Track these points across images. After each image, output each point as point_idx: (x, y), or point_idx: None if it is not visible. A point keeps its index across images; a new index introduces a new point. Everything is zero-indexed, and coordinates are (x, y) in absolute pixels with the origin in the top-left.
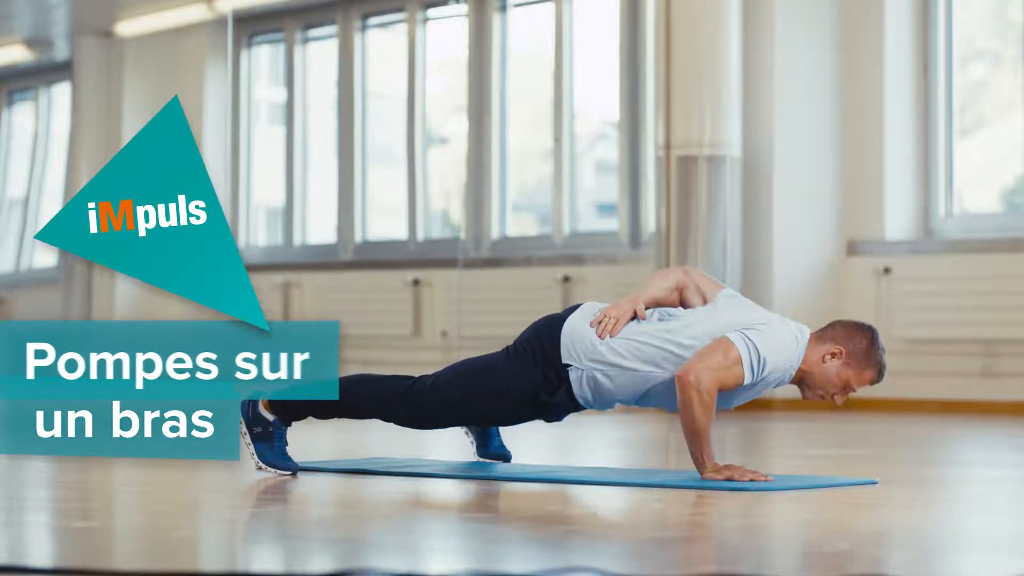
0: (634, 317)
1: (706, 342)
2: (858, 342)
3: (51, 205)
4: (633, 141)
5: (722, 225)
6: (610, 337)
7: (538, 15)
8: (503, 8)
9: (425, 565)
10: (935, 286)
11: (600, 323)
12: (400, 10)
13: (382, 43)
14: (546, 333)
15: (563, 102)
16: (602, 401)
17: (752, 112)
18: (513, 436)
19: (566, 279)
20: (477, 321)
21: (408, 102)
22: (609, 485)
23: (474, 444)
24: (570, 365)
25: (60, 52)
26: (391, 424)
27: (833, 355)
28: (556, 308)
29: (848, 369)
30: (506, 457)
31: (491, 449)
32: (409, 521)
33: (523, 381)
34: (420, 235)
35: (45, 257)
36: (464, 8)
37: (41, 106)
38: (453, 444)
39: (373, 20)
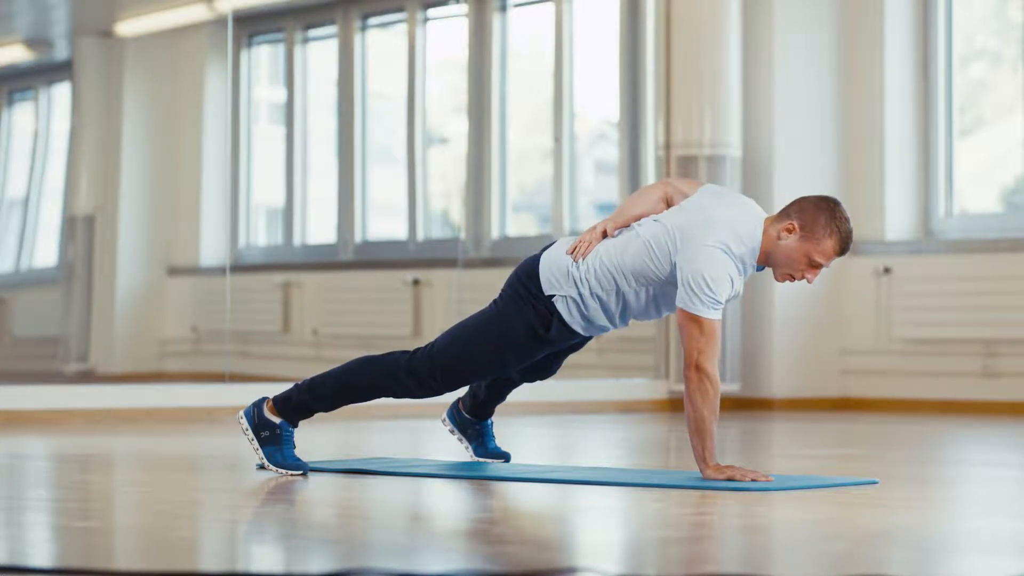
0: (605, 236)
1: (660, 243)
2: (813, 213)
3: (51, 205)
4: (633, 141)
5: None
6: (583, 259)
7: (538, 15)
8: (503, 8)
9: (425, 565)
10: (935, 286)
11: (574, 248)
12: (400, 10)
13: (382, 43)
14: (525, 272)
15: (563, 102)
16: (593, 324)
17: (752, 112)
18: (513, 436)
19: None
20: None
21: (408, 102)
22: (609, 485)
23: (469, 448)
24: (554, 295)
25: (60, 52)
26: (402, 399)
27: (788, 231)
28: None
29: (806, 243)
30: (504, 457)
31: (488, 449)
32: (409, 521)
33: (517, 321)
34: (420, 235)
35: (45, 257)
36: (464, 8)
37: (41, 106)
38: (453, 444)
39: (373, 20)
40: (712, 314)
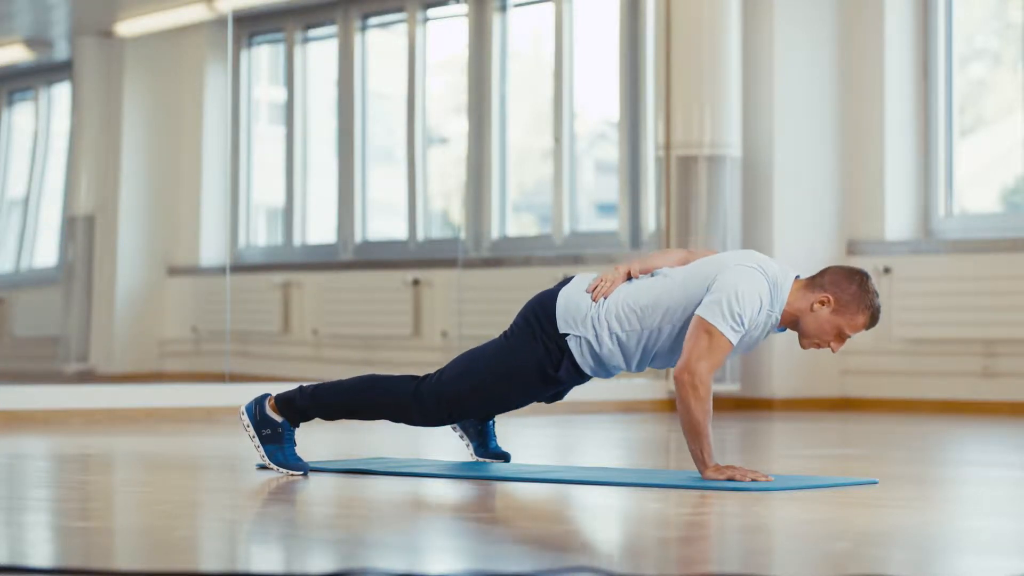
0: (628, 278)
1: (698, 279)
2: (847, 288)
3: (51, 205)
4: (633, 141)
5: (722, 225)
6: (604, 299)
7: (538, 15)
8: (503, 8)
9: (425, 565)
10: (935, 286)
11: (595, 288)
12: (400, 10)
13: (382, 43)
14: (541, 307)
15: (563, 102)
16: (605, 367)
17: (752, 112)
18: (513, 436)
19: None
20: (477, 321)
21: (408, 102)
22: (609, 485)
23: (470, 446)
24: (568, 334)
25: (60, 52)
26: (401, 424)
27: (822, 303)
28: None
29: (839, 316)
30: (505, 457)
31: (489, 449)
32: (409, 521)
33: (527, 359)
34: (420, 235)
35: (45, 257)
36: (464, 8)
37: (41, 106)
38: (453, 444)
39: (373, 20)
40: (728, 332)
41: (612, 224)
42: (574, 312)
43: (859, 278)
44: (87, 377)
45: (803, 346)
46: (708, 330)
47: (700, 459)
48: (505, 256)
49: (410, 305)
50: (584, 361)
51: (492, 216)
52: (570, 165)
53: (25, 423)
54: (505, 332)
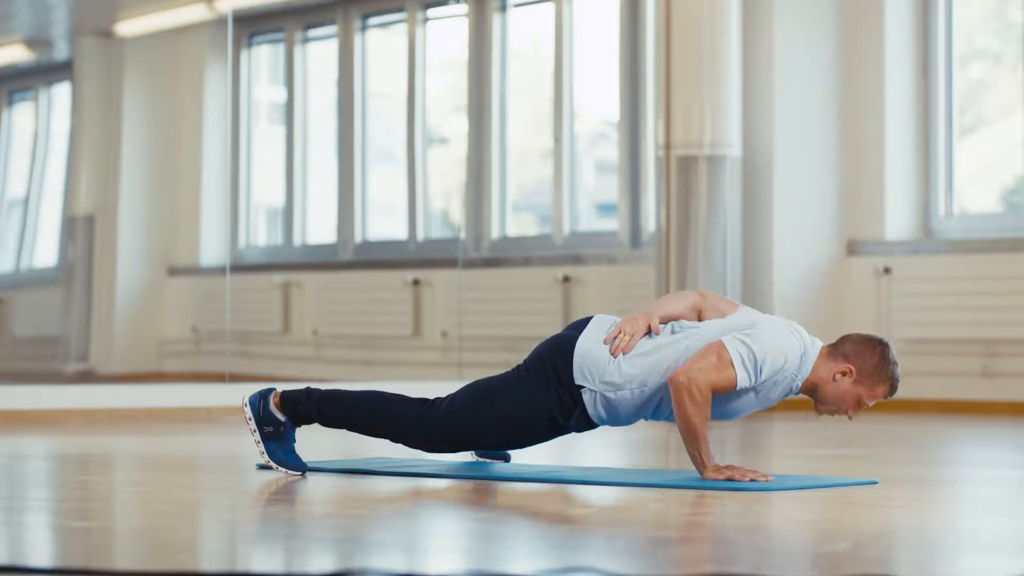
0: (648, 332)
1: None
2: (869, 359)
3: (51, 205)
4: (633, 141)
5: (722, 225)
6: (623, 355)
7: (538, 15)
8: (503, 8)
9: (425, 565)
10: (935, 286)
11: (614, 339)
12: (400, 10)
13: (382, 43)
14: (558, 354)
15: (563, 102)
16: (617, 419)
17: (752, 112)
18: None
19: (566, 279)
20: (477, 321)
21: (408, 102)
22: (609, 485)
23: None
24: (583, 386)
25: (60, 52)
26: (399, 445)
27: (844, 373)
28: (556, 308)
29: (860, 387)
30: (505, 457)
31: (490, 449)
32: (409, 521)
33: (538, 406)
34: (420, 235)
35: (45, 257)
36: (464, 8)
37: (41, 106)
38: None
39: (373, 20)
40: (740, 371)
41: (612, 224)
42: (591, 366)
43: (881, 349)
44: (87, 377)
45: (819, 412)
46: (720, 355)
47: (699, 461)
48: (505, 256)
49: (410, 305)
50: (596, 413)
51: (492, 216)
52: (570, 165)
53: (25, 423)
54: (519, 368)
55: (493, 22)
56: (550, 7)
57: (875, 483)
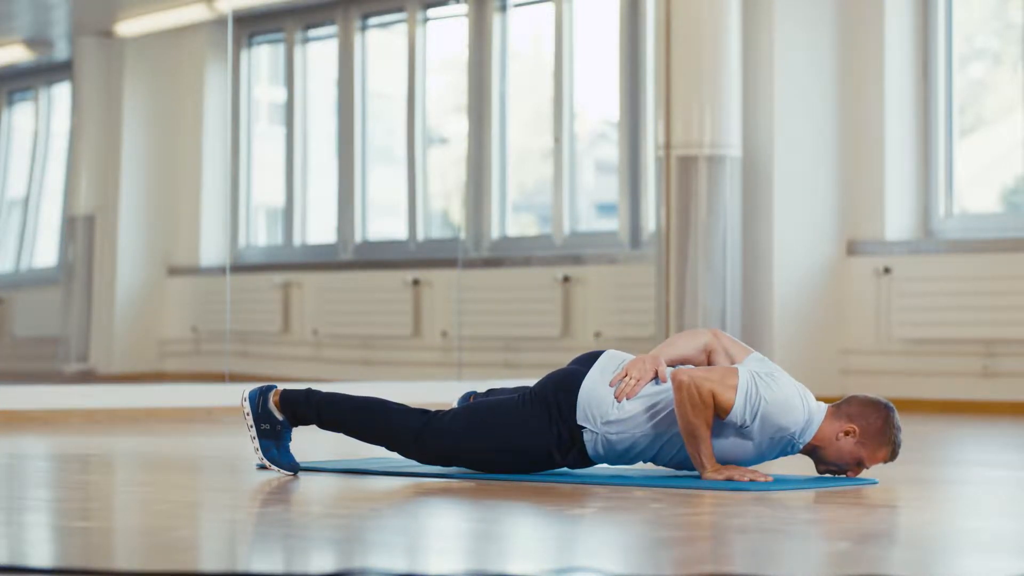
0: (655, 378)
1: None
2: (873, 421)
3: (51, 205)
4: (633, 141)
5: (722, 225)
6: (627, 399)
7: (538, 15)
8: (503, 8)
9: (425, 565)
10: (935, 286)
11: (620, 381)
12: (400, 10)
13: (382, 43)
14: (564, 391)
15: (563, 102)
16: (616, 459)
17: (752, 112)
18: None
19: (566, 279)
20: (477, 321)
21: (408, 102)
22: (609, 485)
23: None
24: (584, 427)
25: (60, 52)
26: (394, 454)
27: (847, 433)
28: (556, 308)
29: (862, 448)
30: None
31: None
32: (409, 521)
33: (538, 439)
34: (420, 235)
35: (45, 257)
36: (464, 8)
37: (41, 106)
38: None
39: (373, 20)
40: (741, 383)
41: (612, 224)
42: (595, 408)
43: (885, 412)
44: (87, 377)
45: (819, 471)
46: (729, 376)
47: (699, 461)
48: (505, 256)
49: (410, 305)
50: (595, 453)
51: (492, 216)
52: (570, 165)
53: (25, 423)
54: (524, 397)
55: (493, 22)
56: (550, 7)
57: (875, 483)
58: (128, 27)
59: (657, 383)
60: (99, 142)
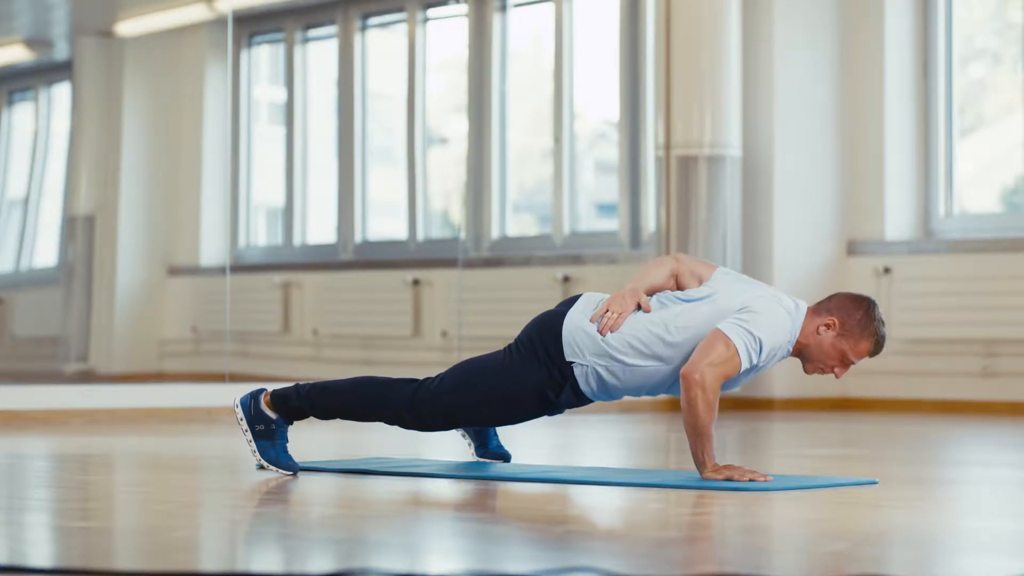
0: (637, 309)
1: (700, 329)
2: (853, 313)
3: (51, 205)
4: (633, 141)
5: (722, 225)
6: (611, 332)
7: (538, 15)
8: (503, 8)
9: (425, 565)
10: (935, 286)
11: (602, 318)
12: (400, 10)
13: (382, 43)
14: (547, 331)
15: (563, 102)
16: (608, 394)
17: (752, 112)
18: (513, 436)
19: (566, 279)
20: (477, 321)
21: (408, 102)
22: (609, 485)
23: (472, 445)
24: (574, 362)
25: (60, 52)
26: (394, 427)
27: (827, 326)
28: None
29: (843, 341)
30: (505, 457)
31: (490, 449)
32: (409, 521)
33: (529, 381)
34: (420, 235)
35: (45, 257)
36: (464, 8)
37: (41, 106)
38: (453, 444)
39: (373, 20)
40: (743, 355)
41: (612, 224)
42: (580, 342)
43: (866, 305)
44: (87, 377)
45: (807, 371)
46: (726, 344)
47: (700, 459)
48: (505, 256)
49: (410, 305)
50: (588, 388)
51: (492, 216)
52: (570, 165)
53: (25, 423)
54: (509, 347)
55: (493, 22)
56: (550, 7)
57: (875, 483)
58: (128, 27)
59: (640, 313)
60: (99, 142)
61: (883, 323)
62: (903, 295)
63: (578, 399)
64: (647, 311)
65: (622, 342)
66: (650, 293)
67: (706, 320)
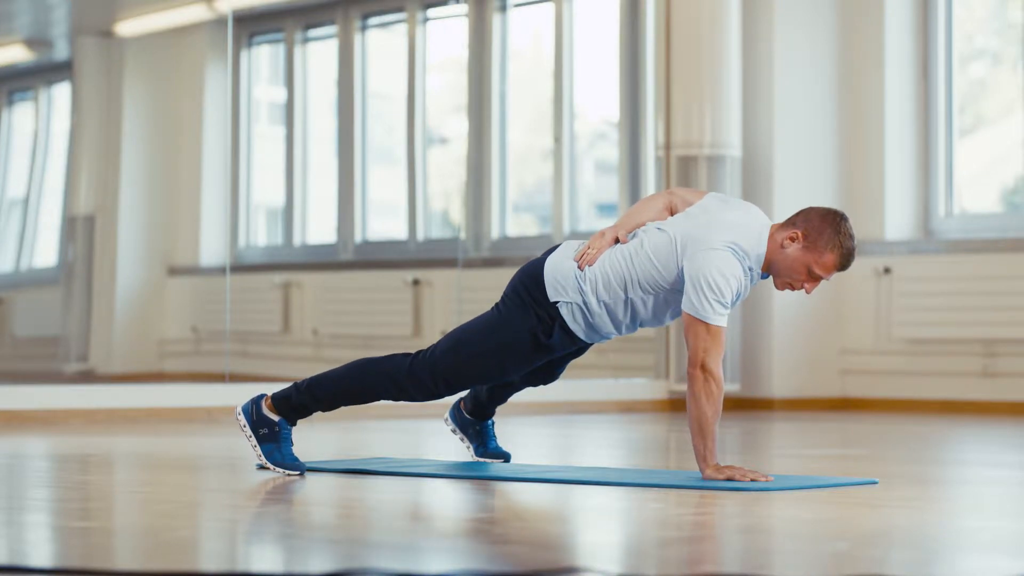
0: (616, 243)
1: (663, 258)
2: (817, 224)
3: (51, 205)
4: (633, 141)
5: None
6: (590, 266)
7: (538, 15)
8: (503, 8)
9: (425, 565)
10: (935, 286)
11: (581, 255)
12: (400, 10)
13: (382, 43)
14: (529, 277)
15: (563, 102)
16: (597, 332)
17: (752, 112)
18: (513, 436)
19: None
20: None
21: (408, 102)
22: (609, 485)
23: (471, 446)
24: (558, 301)
25: (60, 52)
26: (400, 402)
27: (792, 239)
28: None
29: (808, 253)
30: (505, 457)
31: (489, 449)
32: (409, 521)
33: (520, 328)
34: (420, 235)
35: (45, 257)
36: (464, 8)
37: (41, 106)
38: (453, 444)
39: (373, 20)
40: (718, 319)
41: (612, 224)
42: (562, 279)
43: (833, 217)
44: (87, 377)
45: (777, 287)
46: (707, 326)
47: (702, 457)
48: (505, 256)
49: (410, 305)
50: (577, 326)
51: (492, 216)
52: (570, 165)
53: (25, 423)
54: (496, 304)
55: (493, 22)
56: (550, 7)
57: (875, 483)
58: (128, 27)
59: (619, 246)
60: (99, 142)
61: (852, 237)
62: (903, 295)
63: (570, 339)
64: (624, 242)
65: (595, 275)
66: (634, 231)
67: (666, 248)
